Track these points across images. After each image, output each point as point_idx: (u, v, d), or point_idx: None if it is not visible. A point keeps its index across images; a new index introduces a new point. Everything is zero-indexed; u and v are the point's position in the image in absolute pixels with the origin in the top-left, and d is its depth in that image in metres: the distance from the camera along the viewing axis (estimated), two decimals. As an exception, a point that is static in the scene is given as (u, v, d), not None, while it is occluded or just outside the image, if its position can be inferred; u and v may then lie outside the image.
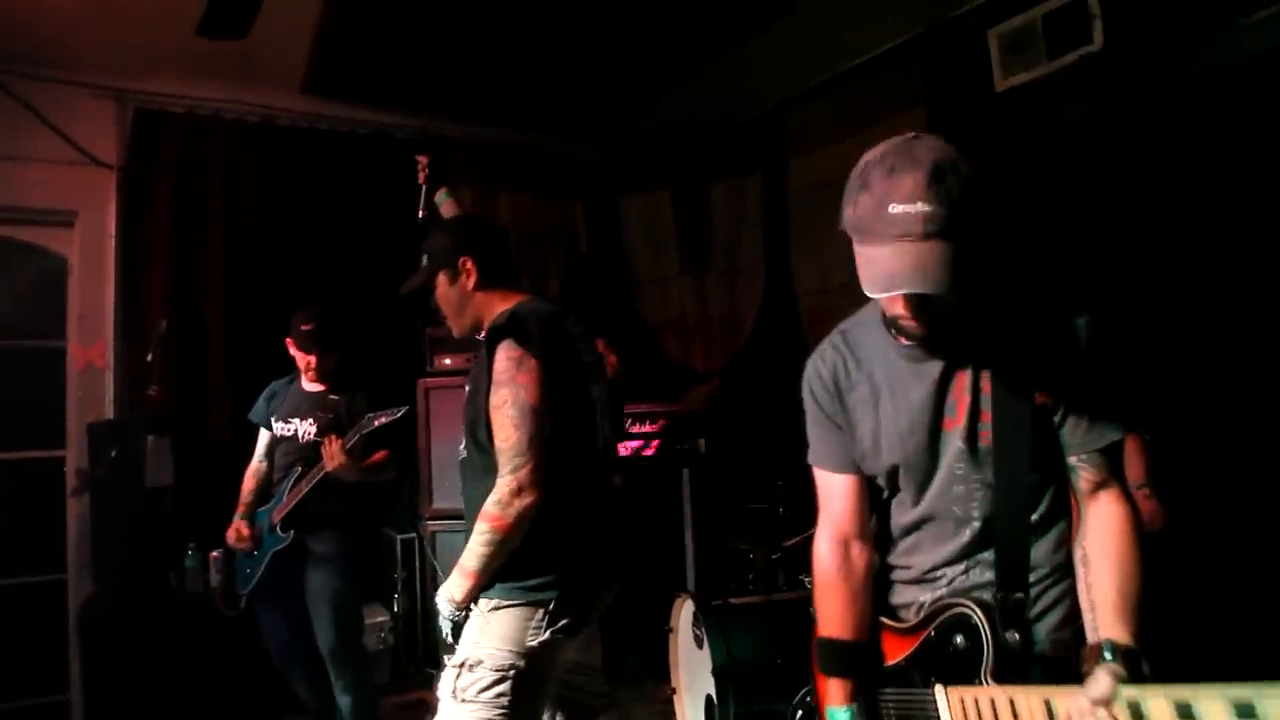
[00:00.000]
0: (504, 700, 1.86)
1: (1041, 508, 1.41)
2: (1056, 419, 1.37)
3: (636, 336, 5.28)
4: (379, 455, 3.26)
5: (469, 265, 2.11)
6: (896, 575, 1.56)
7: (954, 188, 1.19)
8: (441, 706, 1.93)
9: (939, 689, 1.38)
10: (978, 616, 1.36)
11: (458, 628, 1.98)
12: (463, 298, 2.13)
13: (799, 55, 4.31)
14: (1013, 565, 1.37)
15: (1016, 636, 1.34)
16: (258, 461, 3.41)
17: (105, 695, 3.47)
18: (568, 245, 5.41)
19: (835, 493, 1.56)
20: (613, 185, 5.57)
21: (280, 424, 3.31)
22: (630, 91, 4.75)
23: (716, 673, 3.00)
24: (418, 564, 4.36)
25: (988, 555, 1.42)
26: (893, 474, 1.48)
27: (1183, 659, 2.53)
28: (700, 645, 3.15)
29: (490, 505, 1.88)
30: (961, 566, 1.44)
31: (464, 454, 2.09)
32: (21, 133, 3.92)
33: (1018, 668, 1.33)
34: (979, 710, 1.31)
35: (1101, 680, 1.15)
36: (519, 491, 1.86)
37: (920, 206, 1.18)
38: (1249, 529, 2.73)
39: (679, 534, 4.12)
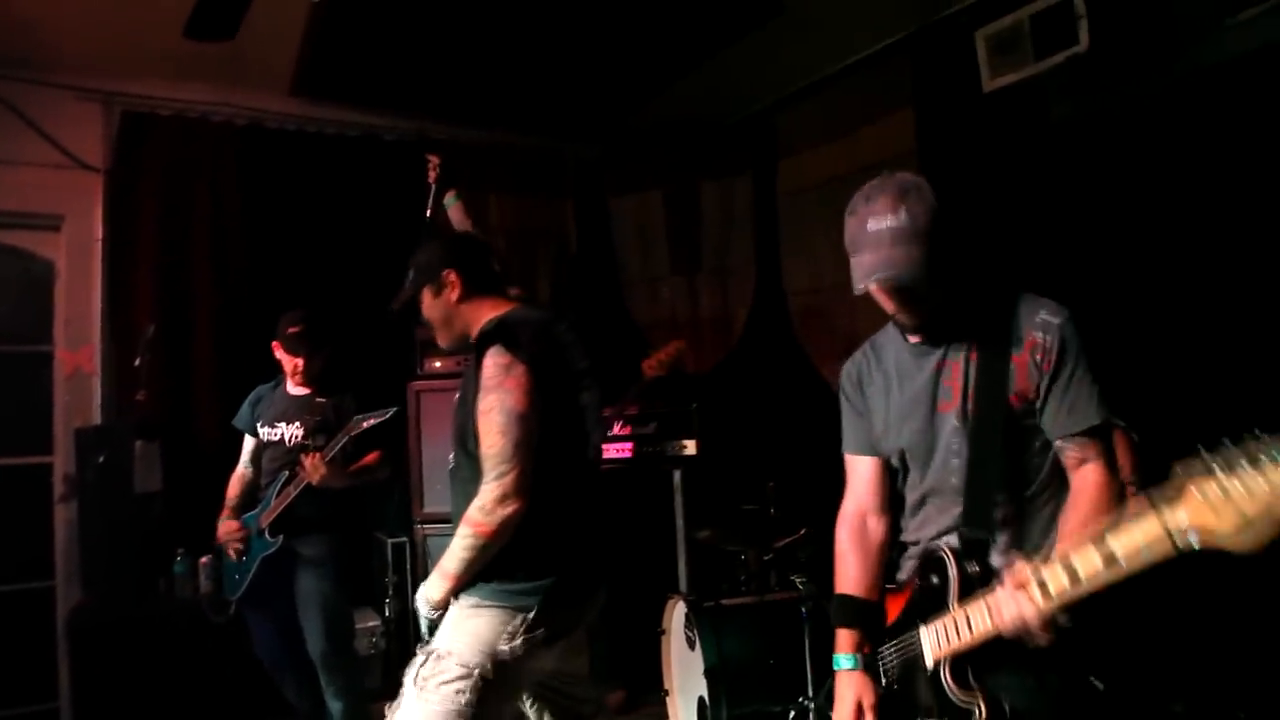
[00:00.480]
0: (462, 699, 1.85)
1: (1033, 487, 1.58)
2: (1038, 405, 1.55)
3: (627, 337, 5.28)
4: (371, 457, 3.25)
5: (452, 278, 2.13)
6: (909, 551, 1.76)
7: (914, 206, 1.50)
8: (404, 690, 1.92)
9: (921, 629, 1.58)
10: (943, 552, 1.58)
11: (434, 627, 1.98)
12: (448, 310, 2.15)
13: (789, 56, 4.32)
14: (977, 509, 1.57)
15: (976, 567, 1.54)
16: (243, 468, 3.39)
17: (94, 702, 3.45)
18: (558, 246, 5.40)
19: (858, 473, 1.82)
20: (603, 186, 5.57)
21: (266, 429, 3.29)
22: (620, 92, 4.75)
23: (709, 674, 3.00)
24: (409, 568, 4.35)
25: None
26: (901, 455, 1.72)
27: (1174, 656, 2.54)
28: (692, 646, 3.15)
29: (474, 510, 1.88)
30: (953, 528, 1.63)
31: (453, 462, 2.09)
32: (7, 136, 3.89)
33: (981, 589, 1.49)
34: (947, 634, 1.50)
35: (1017, 566, 1.36)
36: (502, 498, 1.86)
37: (888, 222, 1.50)
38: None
39: (671, 535, 4.12)
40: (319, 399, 3.29)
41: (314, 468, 3.04)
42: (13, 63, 3.83)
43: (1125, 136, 3.09)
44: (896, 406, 1.70)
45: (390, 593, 4.34)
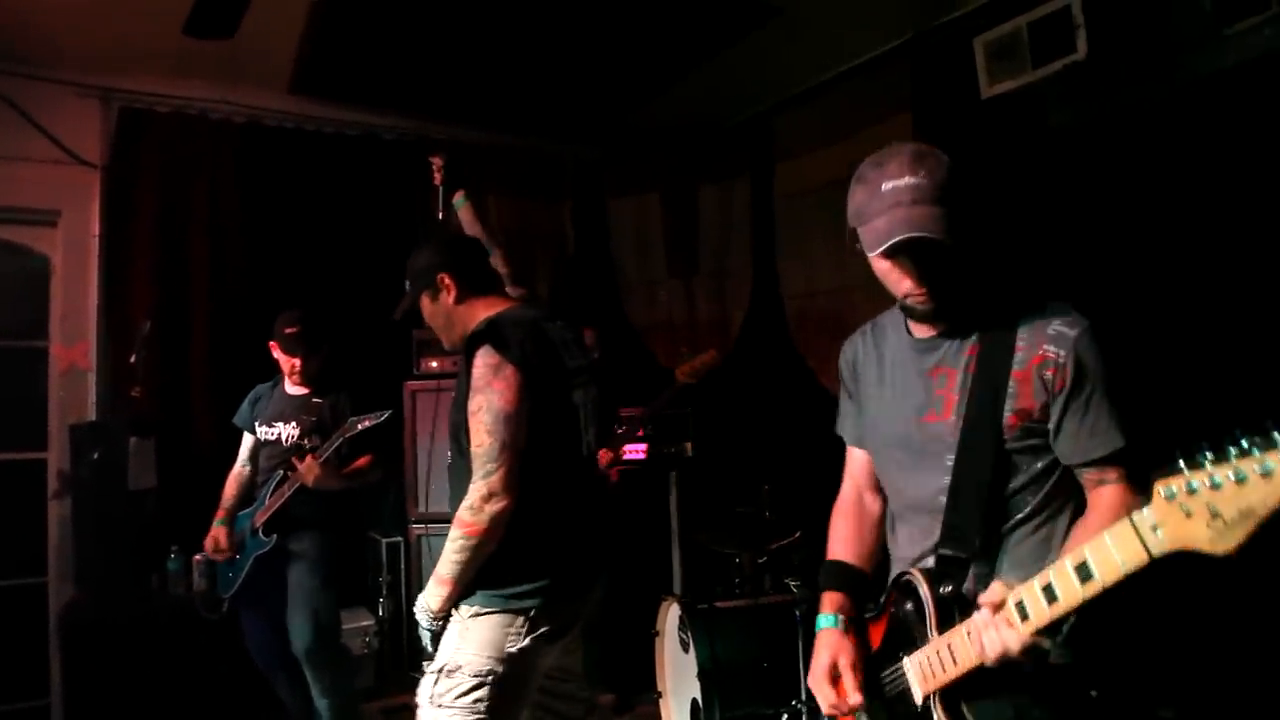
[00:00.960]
0: (481, 705, 1.87)
1: (1023, 513, 1.44)
2: (1049, 426, 1.40)
3: (624, 339, 5.29)
4: (363, 460, 3.25)
5: (447, 281, 2.15)
6: (893, 566, 1.65)
7: (934, 166, 1.36)
8: (420, 712, 1.93)
9: (905, 660, 1.46)
10: (915, 578, 1.46)
11: (436, 637, 1.98)
12: (447, 313, 2.17)
13: (787, 59, 4.33)
14: (958, 531, 1.44)
15: (950, 589, 1.41)
16: (240, 466, 3.40)
17: (86, 699, 3.44)
18: (556, 248, 5.41)
19: (855, 461, 1.75)
20: (601, 188, 5.58)
21: (264, 428, 3.29)
22: (619, 94, 4.76)
23: (702, 676, 3.01)
24: (403, 568, 4.35)
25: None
26: (881, 457, 1.63)
27: (1164, 661, 2.55)
28: (686, 649, 3.15)
29: (462, 510, 1.89)
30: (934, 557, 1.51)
31: (450, 460, 2.10)
32: (5, 131, 3.88)
33: (960, 614, 1.38)
34: (933, 666, 1.39)
35: (993, 589, 1.27)
36: (490, 497, 1.87)
37: (907, 179, 1.35)
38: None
39: (666, 537, 4.12)
40: (316, 399, 3.29)
41: (308, 469, 3.04)
42: (12, 58, 3.82)
43: (1123, 144, 3.10)
44: (886, 403, 1.58)
45: (384, 592, 4.34)
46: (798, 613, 2.94)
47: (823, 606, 1.63)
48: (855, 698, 1.50)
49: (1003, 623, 1.23)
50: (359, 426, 3.03)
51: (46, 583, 3.91)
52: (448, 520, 2.03)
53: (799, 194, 4.70)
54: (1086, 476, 1.41)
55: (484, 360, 1.94)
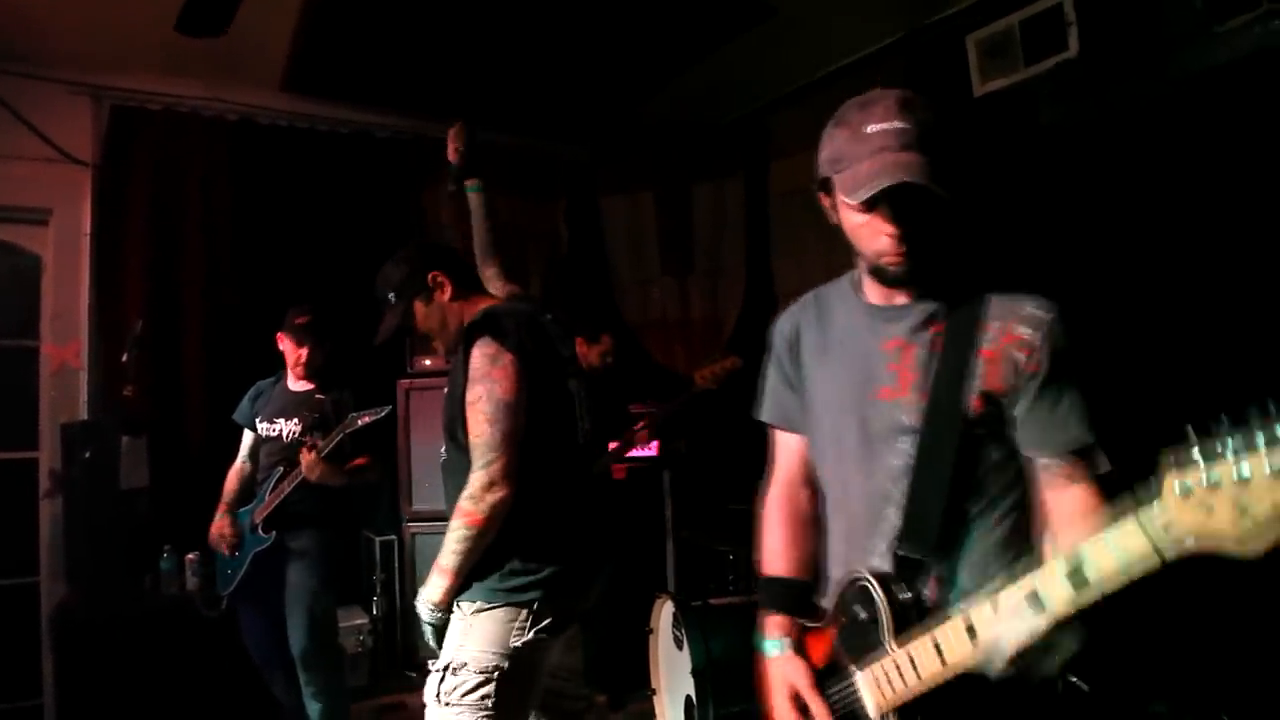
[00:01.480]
0: (489, 702, 1.86)
1: (981, 505, 1.32)
2: (1014, 412, 1.29)
3: (618, 338, 5.28)
4: (361, 460, 3.24)
5: (441, 278, 2.13)
6: (829, 567, 1.50)
7: (922, 111, 1.25)
8: (427, 711, 1.92)
9: (857, 675, 1.32)
10: (869, 582, 1.31)
11: (439, 631, 1.97)
12: (444, 310, 2.14)
13: (781, 58, 4.33)
14: (918, 525, 1.30)
15: (909, 594, 1.28)
16: (241, 462, 3.39)
17: (79, 699, 3.43)
18: (549, 246, 5.41)
19: (785, 450, 1.60)
20: (594, 186, 5.58)
21: (265, 424, 3.29)
22: (613, 92, 4.75)
23: (696, 673, 3.00)
24: (397, 566, 4.34)
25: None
26: (821, 439, 1.47)
27: (1156, 655, 2.55)
28: (680, 646, 3.15)
29: (463, 501, 1.88)
30: (884, 546, 1.36)
31: (445, 455, 2.09)
32: (-5, 129, 3.87)
33: (919, 621, 1.25)
34: (889, 679, 1.25)
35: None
36: (490, 486, 1.86)
37: (895, 123, 1.24)
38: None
39: (660, 535, 4.12)
40: (318, 395, 3.29)
41: (310, 464, 3.04)
42: (2, 55, 3.80)
43: (1114, 142, 3.11)
44: (831, 378, 1.43)
45: (378, 591, 4.33)
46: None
47: (767, 631, 1.48)
48: (821, 711, 1.36)
49: (1024, 607, 1.08)
50: (360, 422, 3.03)
51: (38, 582, 3.90)
52: (442, 518, 2.02)
53: (793, 192, 4.70)
54: (1052, 471, 1.29)
55: (482, 350, 1.93)
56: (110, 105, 4.13)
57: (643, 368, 5.28)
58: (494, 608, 1.92)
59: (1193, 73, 2.86)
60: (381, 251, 2.28)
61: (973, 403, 1.27)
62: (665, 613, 3.32)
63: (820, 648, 1.42)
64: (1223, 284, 2.80)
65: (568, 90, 4.68)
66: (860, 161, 1.25)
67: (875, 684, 1.28)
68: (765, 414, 1.61)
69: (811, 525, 1.54)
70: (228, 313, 4.28)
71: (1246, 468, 0.83)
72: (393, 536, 4.36)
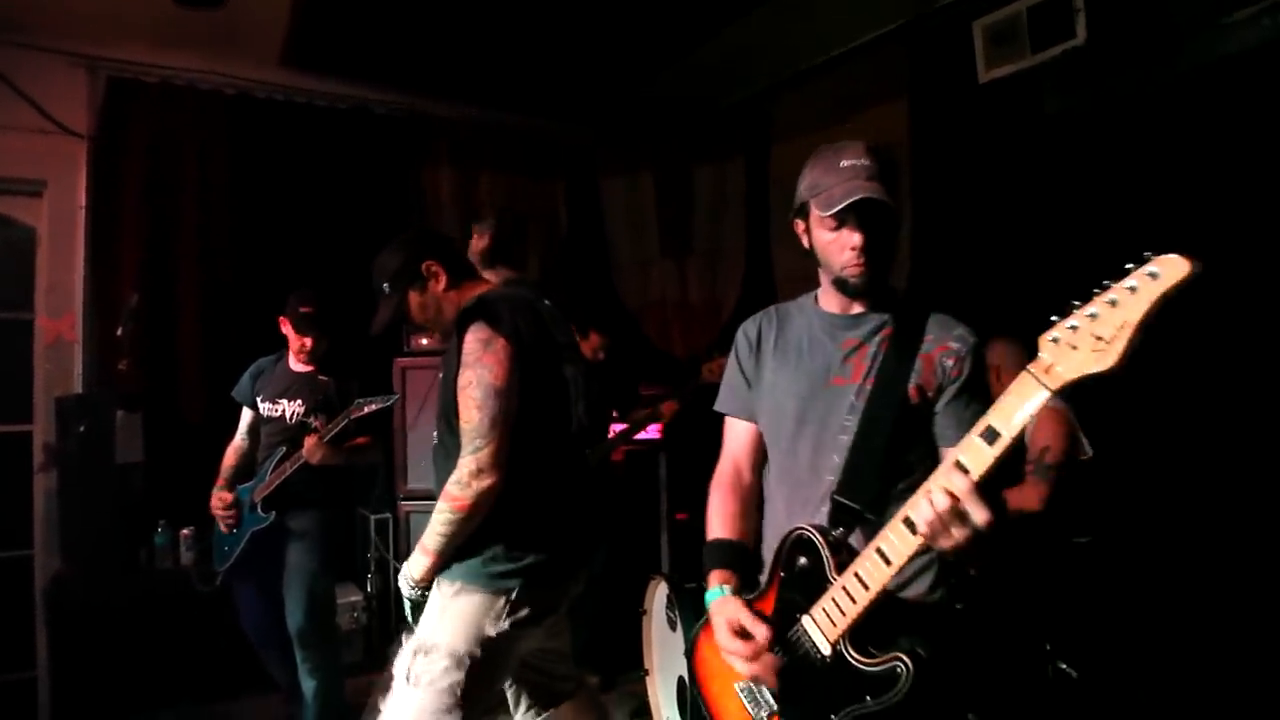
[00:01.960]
0: (457, 690, 1.87)
1: (904, 484, 1.49)
2: (938, 406, 1.55)
3: (616, 319, 5.28)
4: (362, 440, 3.24)
5: (435, 268, 2.12)
6: (768, 539, 1.68)
7: (886, 159, 1.55)
8: (394, 686, 1.93)
9: (804, 619, 1.47)
10: (807, 529, 1.51)
11: (417, 607, 1.99)
12: (439, 300, 2.13)
13: (785, 40, 4.29)
14: (856, 480, 1.52)
15: (842, 530, 1.50)
16: (239, 439, 3.37)
17: (73, 672, 3.44)
18: (548, 227, 5.38)
19: (737, 434, 1.79)
20: (594, 167, 5.54)
21: (267, 404, 3.27)
22: (615, 71, 4.71)
23: (689, 654, 3.02)
24: (392, 544, 4.35)
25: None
26: (777, 420, 1.67)
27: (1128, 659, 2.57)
28: (674, 627, 3.17)
29: (451, 485, 1.88)
30: (824, 509, 1.56)
31: (436, 438, 2.08)
32: (-10, 99, 3.83)
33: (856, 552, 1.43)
34: (838, 606, 1.41)
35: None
36: (479, 472, 1.86)
37: (865, 160, 1.53)
38: (1208, 509, 2.78)
39: (655, 517, 4.13)
40: (321, 376, 3.28)
41: (313, 449, 3.04)
42: (-3, 24, 3.76)
43: (1120, 132, 3.09)
44: (792, 370, 1.67)
45: (372, 569, 4.34)
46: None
47: (710, 583, 1.63)
48: (763, 631, 1.49)
49: (946, 477, 1.25)
50: (365, 410, 3.02)
51: (32, 555, 3.90)
52: (435, 498, 2.02)
53: (794, 176, 4.67)
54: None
55: (475, 335, 1.92)
56: (106, 77, 4.08)
57: (641, 351, 5.28)
58: (471, 591, 1.92)
59: (1201, 63, 2.84)
60: (378, 228, 2.26)
61: (910, 392, 1.54)
62: (659, 594, 3.33)
63: (766, 609, 1.57)
64: (1226, 275, 2.78)
65: (569, 69, 4.64)
66: (834, 187, 1.53)
67: (824, 617, 1.44)
68: (724, 405, 1.82)
69: (753, 504, 1.75)
70: (223, 287, 4.26)
71: (1092, 308, 1.10)
72: (388, 515, 4.37)
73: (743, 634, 1.51)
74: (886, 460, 1.52)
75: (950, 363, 1.56)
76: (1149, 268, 1.07)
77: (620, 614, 3.53)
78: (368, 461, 3.31)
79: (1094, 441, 2.69)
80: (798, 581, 1.51)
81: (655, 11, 3.97)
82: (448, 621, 1.91)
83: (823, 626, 1.44)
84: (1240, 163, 2.76)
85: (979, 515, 1.22)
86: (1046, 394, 1.15)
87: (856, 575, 1.38)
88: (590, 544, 2.15)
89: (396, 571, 4.21)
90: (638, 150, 5.48)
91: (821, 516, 1.55)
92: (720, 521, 1.71)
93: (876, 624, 1.41)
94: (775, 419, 1.68)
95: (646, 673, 3.41)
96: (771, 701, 1.55)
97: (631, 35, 4.25)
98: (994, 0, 3.45)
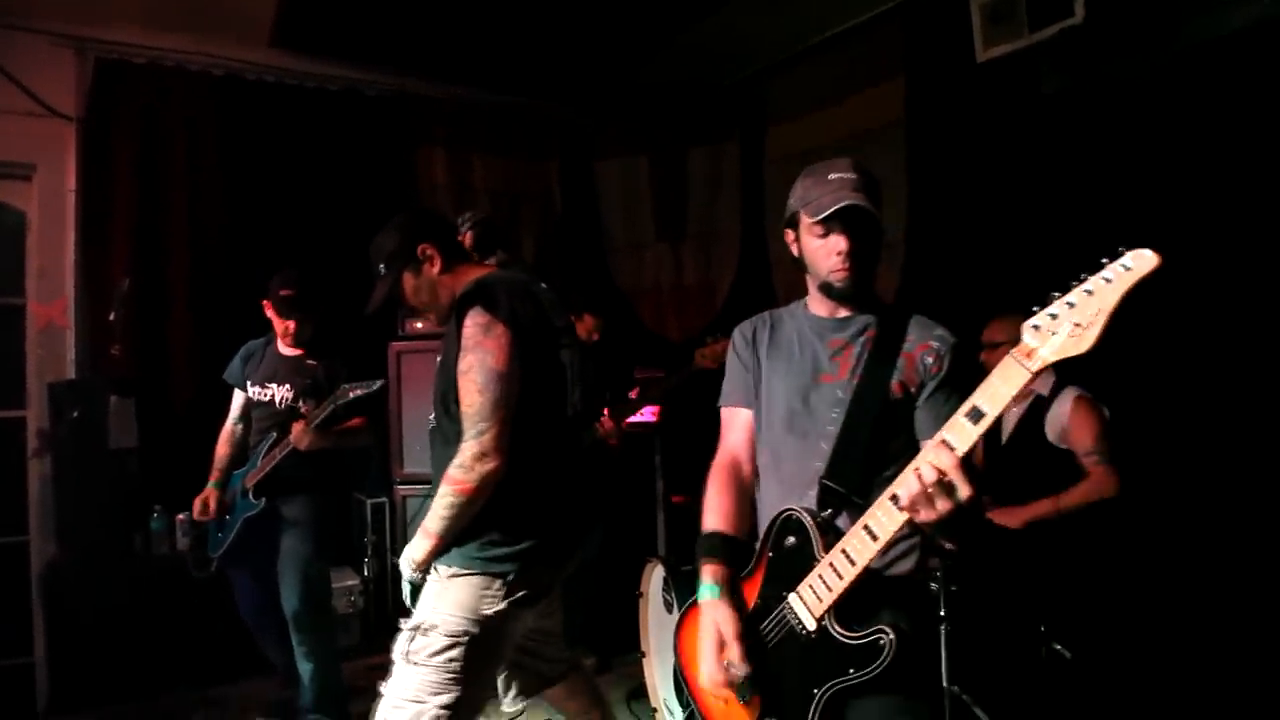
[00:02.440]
0: (455, 665, 1.88)
1: (887, 473, 1.51)
2: (918, 401, 1.64)
3: (611, 302, 5.26)
4: (355, 421, 3.23)
5: (430, 251, 2.11)
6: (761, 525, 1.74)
7: (871, 177, 1.65)
8: (394, 668, 1.94)
9: (790, 598, 1.56)
10: (795, 510, 1.60)
11: (417, 589, 1.99)
12: (433, 283, 2.12)
13: (781, 21, 4.25)
14: (843, 465, 1.61)
15: (830, 510, 1.58)
16: (232, 424, 3.36)
17: (71, 657, 3.45)
18: (543, 209, 5.35)
19: (736, 425, 1.85)
20: (589, 149, 5.50)
21: (256, 388, 3.26)
22: (610, 52, 4.67)
23: (675, 635, 3.03)
24: (388, 528, 4.36)
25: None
26: (771, 414, 1.75)
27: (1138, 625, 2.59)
28: (670, 610, 3.18)
29: (453, 469, 1.88)
30: (811, 494, 1.63)
31: (433, 423, 2.08)
32: (-25, 82, 3.78)
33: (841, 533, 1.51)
34: (824, 583, 1.49)
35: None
36: (482, 456, 1.86)
37: (851, 174, 1.63)
38: (1210, 494, 2.79)
39: (651, 499, 4.14)
40: (310, 360, 3.26)
41: (300, 435, 3.03)
42: (-18, 5, 3.71)
43: (1118, 111, 3.07)
44: (784, 367, 1.76)
45: (369, 552, 4.35)
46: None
47: (703, 577, 1.67)
48: (742, 668, 1.55)
49: (940, 448, 1.32)
50: (351, 395, 3.00)
51: (28, 541, 3.89)
52: (431, 482, 2.02)
53: (790, 157, 4.65)
54: None
55: (474, 320, 1.91)
56: (94, 58, 4.03)
57: (635, 334, 5.27)
58: (469, 574, 1.92)
59: (1200, 42, 2.82)
60: (371, 210, 2.24)
61: (894, 387, 1.64)
62: (656, 577, 3.34)
63: (753, 589, 1.66)
64: (1223, 258, 2.78)
65: (564, 50, 4.60)
66: (823, 197, 1.62)
67: (811, 594, 1.52)
68: (727, 398, 1.88)
69: (747, 496, 1.80)
70: (216, 271, 4.23)
71: (1071, 298, 1.21)
72: (384, 499, 4.37)
73: (721, 648, 1.58)
74: (871, 449, 1.60)
75: (930, 360, 1.65)
76: (1123, 260, 1.19)
77: (617, 596, 3.54)
78: (359, 445, 3.29)
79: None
80: (785, 560, 1.59)
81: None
82: (445, 603, 1.92)
83: (808, 603, 1.52)
84: (1239, 142, 2.75)
85: (963, 490, 1.30)
86: (1028, 375, 1.25)
87: (844, 552, 1.46)
88: (585, 527, 2.15)
89: (393, 555, 4.26)
90: (633, 132, 5.44)
91: (809, 500, 1.62)
92: (716, 515, 1.75)
93: (860, 600, 1.49)
94: (769, 412, 1.77)
95: (643, 655, 3.42)
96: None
97: (627, 16, 4.20)
98: (992, -21, 3.42)
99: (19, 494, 3.90)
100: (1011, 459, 2.95)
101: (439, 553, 1.95)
